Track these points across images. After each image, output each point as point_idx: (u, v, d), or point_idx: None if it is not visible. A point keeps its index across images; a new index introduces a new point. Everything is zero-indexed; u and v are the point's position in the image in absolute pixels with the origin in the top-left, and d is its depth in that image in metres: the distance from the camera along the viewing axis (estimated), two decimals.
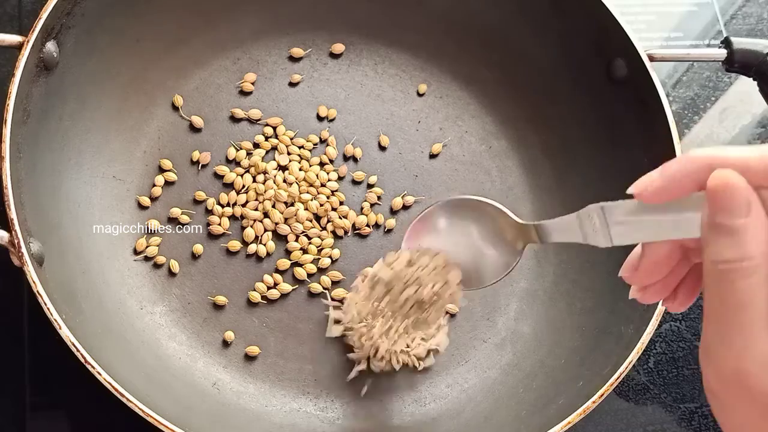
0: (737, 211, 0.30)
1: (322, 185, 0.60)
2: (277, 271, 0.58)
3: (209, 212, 0.59)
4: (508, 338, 0.58)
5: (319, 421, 0.55)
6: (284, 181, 0.60)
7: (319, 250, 0.59)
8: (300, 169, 0.60)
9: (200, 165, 0.60)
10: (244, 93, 0.62)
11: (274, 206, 0.59)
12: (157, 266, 0.57)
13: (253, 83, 0.63)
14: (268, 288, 0.57)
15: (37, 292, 0.46)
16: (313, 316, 0.57)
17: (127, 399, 0.45)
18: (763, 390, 0.30)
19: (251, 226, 0.58)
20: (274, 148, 0.61)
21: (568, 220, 0.41)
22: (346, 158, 0.62)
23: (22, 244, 0.46)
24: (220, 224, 0.58)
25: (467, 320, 0.59)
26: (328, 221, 0.59)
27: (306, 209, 0.59)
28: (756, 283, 0.30)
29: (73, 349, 0.45)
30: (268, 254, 0.58)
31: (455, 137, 0.63)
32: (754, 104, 0.68)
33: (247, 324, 0.57)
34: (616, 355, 0.50)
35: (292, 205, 0.59)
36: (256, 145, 0.61)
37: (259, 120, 0.62)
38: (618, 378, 0.49)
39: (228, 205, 0.59)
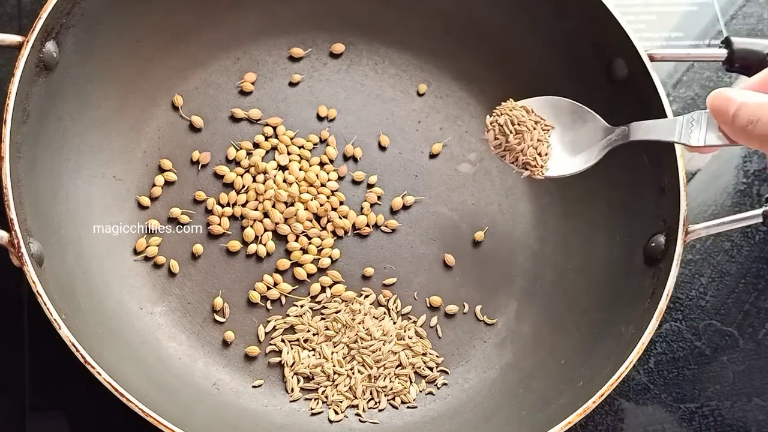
0: (731, 102, 0.44)
1: (322, 185, 0.60)
2: (277, 271, 0.58)
3: (209, 212, 0.59)
4: (508, 338, 0.58)
5: (320, 421, 0.55)
6: (284, 181, 0.60)
7: (319, 250, 0.59)
8: (300, 169, 0.60)
9: (200, 165, 0.60)
10: (244, 93, 0.62)
11: (274, 206, 0.59)
12: (157, 266, 0.57)
13: (253, 83, 0.63)
14: (268, 288, 0.57)
15: (37, 292, 0.46)
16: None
17: (127, 399, 0.45)
18: None
19: (251, 226, 0.58)
20: (274, 148, 0.61)
21: (668, 121, 0.51)
22: (346, 158, 0.62)
23: (21, 244, 0.46)
24: (220, 224, 0.58)
25: (467, 320, 0.59)
26: (328, 221, 0.59)
27: (306, 209, 0.59)
28: None
29: (73, 349, 0.45)
30: (268, 254, 0.58)
31: (455, 137, 0.63)
32: None
33: (247, 324, 0.57)
34: (616, 355, 0.50)
35: (292, 205, 0.59)
36: (256, 145, 0.61)
37: (259, 120, 0.62)
38: (618, 378, 0.49)
39: (228, 205, 0.59)
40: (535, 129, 0.55)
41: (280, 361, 0.56)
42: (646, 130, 0.52)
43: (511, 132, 0.55)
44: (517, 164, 0.56)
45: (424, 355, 0.57)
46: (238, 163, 0.61)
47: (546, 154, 0.55)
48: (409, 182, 0.62)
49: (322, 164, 0.61)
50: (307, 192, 0.60)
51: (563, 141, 0.55)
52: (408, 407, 0.56)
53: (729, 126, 0.45)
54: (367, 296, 0.58)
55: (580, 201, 0.61)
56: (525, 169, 0.55)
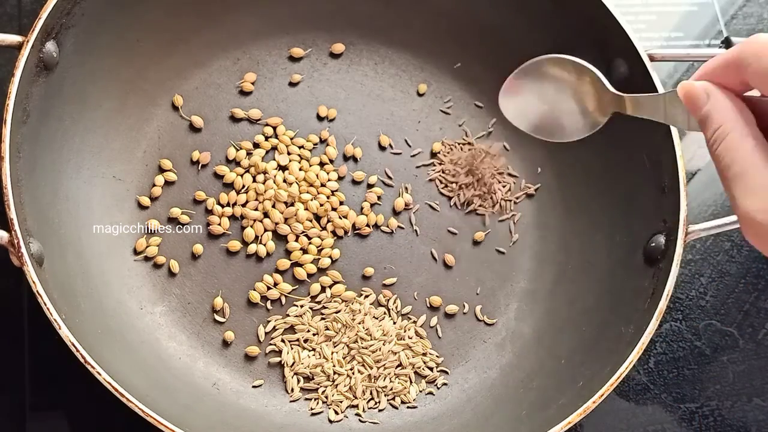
0: (699, 102, 0.38)
1: (322, 185, 0.60)
2: (277, 271, 0.58)
3: (209, 212, 0.59)
4: (508, 338, 0.58)
5: (320, 421, 0.55)
6: (284, 181, 0.60)
7: (319, 250, 0.59)
8: (300, 169, 0.60)
9: (200, 165, 0.60)
10: (244, 93, 0.62)
11: (274, 206, 0.59)
12: (157, 266, 0.57)
13: (253, 83, 0.63)
14: (268, 288, 0.57)
15: (37, 292, 0.46)
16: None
17: (127, 399, 0.45)
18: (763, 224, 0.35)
19: (251, 226, 0.58)
20: (274, 148, 0.61)
21: (656, 98, 0.45)
22: (346, 158, 0.62)
23: (21, 244, 0.47)
24: (220, 224, 0.58)
25: (467, 320, 0.59)
26: (328, 221, 0.59)
27: (306, 209, 0.59)
28: (733, 142, 0.36)
29: (73, 349, 0.45)
30: (268, 254, 0.58)
31: (455, 137, 0.63)
32: None
33: (247, 324, 0.57)
34: (616, 355, 0.50)
35: (292, 205, 0.59)
36: (256, 145, 0.61)
37: (259, 120, 0.62)
38: (618, 378, 0.49)
39: (228, 205, 0.59)
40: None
41: (280, 361, 0.56)
42: (639, 104, 0.48)
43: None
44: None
45: (424, 355, 0.57)
46: (238, 163, 0.61)
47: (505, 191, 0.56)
48: (409, 182, 0.62)
49: (322, 164, 0.61)
50: (307, 192, 0.60)
51: (569, 102, 0.53)
52: (408, 407, 0.56)
53: (699, 123, 0.39)
54: (367, 296, 0.58)
55: (580, 201, 0.61)
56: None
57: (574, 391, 0.51)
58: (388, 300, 0.58)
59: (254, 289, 0.57)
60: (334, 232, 0.59)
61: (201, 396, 0.54)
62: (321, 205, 0.59)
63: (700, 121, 0.39)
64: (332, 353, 0.56)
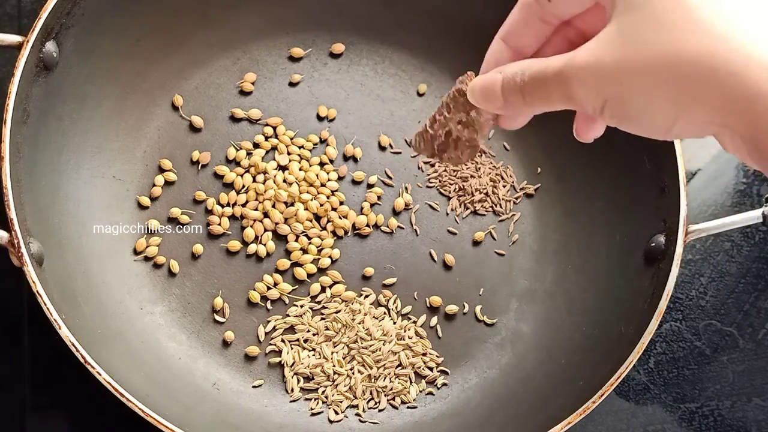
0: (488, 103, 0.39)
1: (322, 185, 0.60)
2: (277, 271, 0.58)
3: (209, 212, 0.59)
4: (508, 338, 0.58)
5: (319, 421, 0.55)
6: (284, 181, 0.60)
7: (319, 250, 0.59)
8: (300, 169, 0.60)
9: (200, 165, 0.60)
10: (244, 93, 0.62)
11: (274, 206, 0.59)
12: (157, 266, 0.57)
13: (253, 83, 0.63)
14: (268, 288, 0.57)
15: (37, 292, 0.46)
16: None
17: (127, 399, 0.45)
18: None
19: (251, 226, 0.58)
20: (274, 148, 0.61)
21: None
22: (346, 158, 0.62)
23: (21, 244, 0.47)
24: (220, 224, 0.58)
25: (467, 320, 0.59)
26: (328, 221, 0.59)
27: (306, 209, 0.59)
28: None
29: (73, 349, 0.45)
30: (268, 254, 0.58)
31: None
32: None
33: (247, 324, 0.57)
34: (616, 355, 0.50)
35: (292, 205, 0.59)
36: (256, 145, 0.61)
37: (259, 120, 0.62)
38: (618, 378, 0.49)
39: (228, 205, 0.59)
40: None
41: (280, 361, 0.56)
42: None
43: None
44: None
45: (424, 355, 0.57)
46: (238, 163, 0.61)
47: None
48: (409, 182, 0.62)
49: (322, 164, 0.61)
50: (307, 192, 0.60)
51: None
52: (408, 407, 0.56)
53: (505, 103, 0.39)
54: (367, 296, 0.58)
55: (580, 201, 0.61)
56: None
57: (574, 391, 0.51)
58: (388, 300, 0.58)
59: (254, 289, 0.57)
60: (334, 232, 0.59)
61: (201, 396, 0.54)
62: (321, 205, 0.59)
63: (503, 92, 0.38)
64: (332, 353, 0.56)
